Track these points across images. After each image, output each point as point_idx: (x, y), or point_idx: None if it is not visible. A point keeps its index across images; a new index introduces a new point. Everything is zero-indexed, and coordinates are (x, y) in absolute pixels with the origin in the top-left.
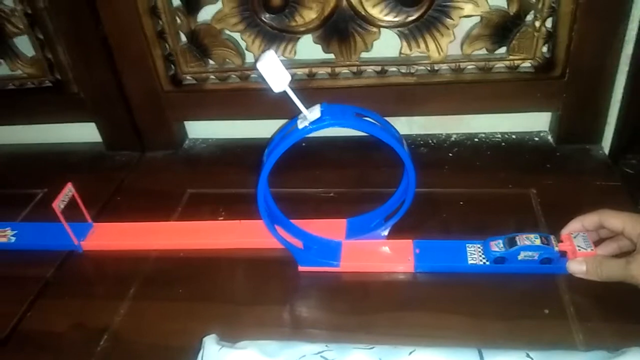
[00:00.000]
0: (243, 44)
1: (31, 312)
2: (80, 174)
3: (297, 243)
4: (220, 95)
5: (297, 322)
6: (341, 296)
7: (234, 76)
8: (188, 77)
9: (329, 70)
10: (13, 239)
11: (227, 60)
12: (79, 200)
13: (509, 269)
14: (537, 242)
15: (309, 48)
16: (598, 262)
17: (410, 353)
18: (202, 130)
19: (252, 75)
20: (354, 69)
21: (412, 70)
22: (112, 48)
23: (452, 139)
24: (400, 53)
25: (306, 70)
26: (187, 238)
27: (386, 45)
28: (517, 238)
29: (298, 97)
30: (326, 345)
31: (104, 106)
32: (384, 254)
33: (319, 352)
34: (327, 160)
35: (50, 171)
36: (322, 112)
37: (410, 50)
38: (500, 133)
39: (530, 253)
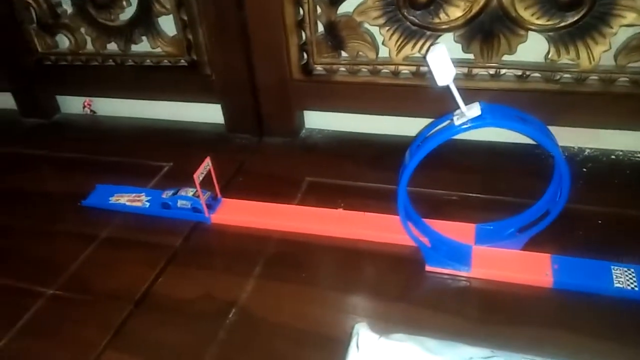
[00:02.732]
0: (379, 38)
1: (162, 278)
2: (203, 152)
3: (426, 242)
4: (348, 88)
5: (427, 322)
6: (472, 302)
7: (364, 70)
8: (319, 68)
9: (465, 70)
10: (147, 205)
11: (361, 53)
12: (213, 175)
13: None
14: None
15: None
16: None
17: None
18: (318, 120)
19: (384, 70)
20: (492, 71)
21: (557, 77)
22: (250, 33)
23: (585, 153)
24: (547, 58)
25: None
26: (311, 223)
27: (529, 48)
28: None
29: (432, 96)
30: (492, 351)
31: (232, 89)
32: (519, 265)
33: (487, 357)
34: (449, 162)
35: (175, 147)
36: (482, 110)
37: (559, 56)
38: None
39: None
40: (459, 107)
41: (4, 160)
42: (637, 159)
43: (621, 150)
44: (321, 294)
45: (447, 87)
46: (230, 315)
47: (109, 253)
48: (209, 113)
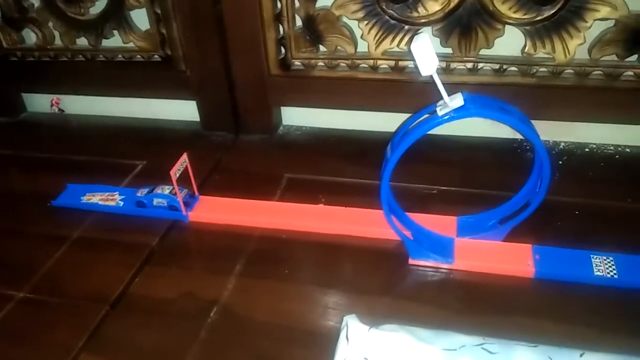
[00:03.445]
0: (358, 32)
1: (139, 278)
2: (177, 150)
3: (409, 236)
4: (326, 83)
5: (412, 314)
6: (456, 294)
7: (343, 64)
8: (297, 63)
9: (443, 64)
10: (121, 204)
11: (339, 47)
12: (190, 172)
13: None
14: None
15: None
16: None
17: (581, 355)
18: (296, 117)
19: (362, 65)
20: (470, 65)
21: (533, 71)
22: (226, 28)
23: (561, 146)
24: (523, 52)
25: None
26: (292, 219)
27: (506, 42)
28: None
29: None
30: (483, 339)
31: (208, 86)
32: (501, 256)
33: (479, 344)
34: (428, 157)
35: (149, 145)
36: (465, 100)
37: (535, 50)
38: (613, 145)
39: None
40: (441, 98)
41: None
42: (609, 151)
43: (594, 143)
44: (304, 290)
45: (430, 78)
46: (211, 314)
47: (82, 254)
48: (184, 110)
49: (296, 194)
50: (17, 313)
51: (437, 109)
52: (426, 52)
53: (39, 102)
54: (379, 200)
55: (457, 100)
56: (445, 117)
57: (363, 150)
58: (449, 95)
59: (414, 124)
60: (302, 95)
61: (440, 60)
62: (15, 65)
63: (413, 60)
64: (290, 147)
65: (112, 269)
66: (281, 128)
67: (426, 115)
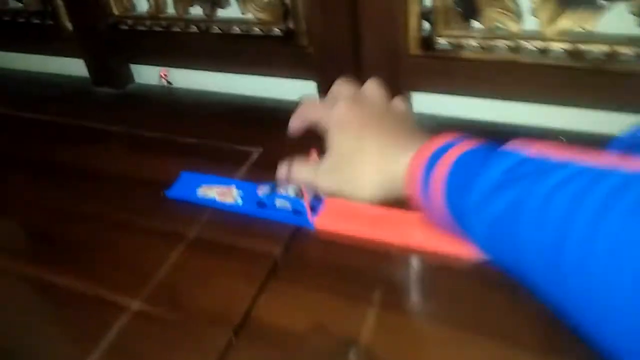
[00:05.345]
0: (526, 6)
1: (263, 296)
2: (296, 137)
3: None
4: (478, 67)
5: None
6: None
7: (502, 45)
8: (442, 41)
9: (638, 50)
10: (240, 201)
11: (499, 25)
12: None
13: None
14: None
15: (615, 20)
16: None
17: None
18: (427, 104)
19: (529, 47)
20: None
21: None
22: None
23: None
24: None
25: (605, 47)
26: (448, 239)
27: None
28: None
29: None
30: None
31: (332, 65)
32: None
33: None
34: None
35: (264, 129)
36: None
37: None
38: None
39: None
40: None
41: (72, 132)
42: None
43: None
44: (471, 337)
45: None
46: (350, 357)
47: (200, 259)
48: (303, 90)
49: None
50: (132, 328)
51: None
52: None
53: (147, 74)
54: None
55: None
56: None
57: None
58: None
59: None
60: (444, 81)
61: (633, 45)
62: (126, 35)
63: None
64: None
65: (233, 281)
66: None
67: None
